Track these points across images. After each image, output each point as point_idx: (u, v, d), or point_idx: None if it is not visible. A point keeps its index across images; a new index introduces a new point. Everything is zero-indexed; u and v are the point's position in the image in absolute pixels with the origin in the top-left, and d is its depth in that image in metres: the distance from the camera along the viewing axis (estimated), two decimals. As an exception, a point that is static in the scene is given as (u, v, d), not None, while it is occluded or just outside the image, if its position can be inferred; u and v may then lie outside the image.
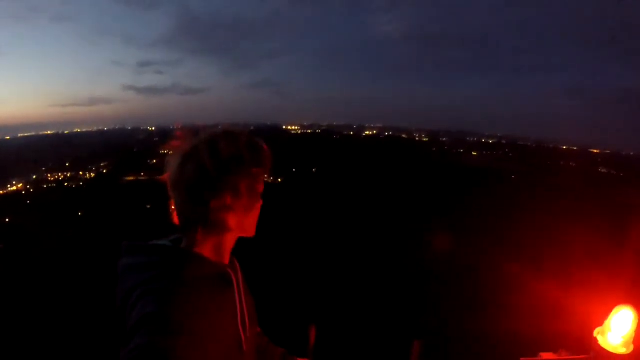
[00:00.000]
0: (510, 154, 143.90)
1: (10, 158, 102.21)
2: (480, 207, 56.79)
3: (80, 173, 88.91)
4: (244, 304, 1.29)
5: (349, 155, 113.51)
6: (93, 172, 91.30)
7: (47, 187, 78.57)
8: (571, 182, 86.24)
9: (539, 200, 64.97)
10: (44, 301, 28.68)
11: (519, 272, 29.68)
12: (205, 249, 1.21)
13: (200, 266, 1.16)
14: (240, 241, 1.33)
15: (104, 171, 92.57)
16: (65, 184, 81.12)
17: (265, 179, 1.30)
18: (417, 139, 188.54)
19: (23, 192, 74.47)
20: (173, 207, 1.22)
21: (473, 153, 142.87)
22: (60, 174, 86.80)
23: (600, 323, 1.51)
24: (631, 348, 1.45)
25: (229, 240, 1.27)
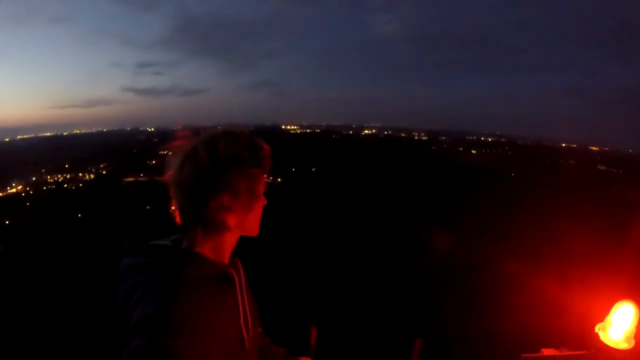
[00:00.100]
0: (510, 153, 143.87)
1: (9, 160, 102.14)
2: (479, 205, 56.78)
3: (80, 174, 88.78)
4: (246, 304, 1.29)
5: (348, 154, 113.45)
6: (92, 173, 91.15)
7: (47, 188, 78.37)
8: (570, 180, 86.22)
9: (538, 198, 64.93)
10: (44, 303, 28.65)
11: (519, 271, 29.72)
12: (206, 249, 1.21)
13: (201, 266, 1.16)
14: (240, 241, 1.33)
15: (104, 172, 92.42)
16: (65, 186, 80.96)
17: (267, 180, 1.30)
18: (416, 138, 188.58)
19: (23, 194, 74.29)
20: (174, 207, 1.22)
21: (472, 152, 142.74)
22: (59, 176, 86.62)
23: (601, 319, 1.51)
24: (632, 343, 1.45)
25: (230, 240, 1.27)
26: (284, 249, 34.82)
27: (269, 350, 1.69)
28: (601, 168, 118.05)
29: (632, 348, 1.45)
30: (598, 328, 1.51)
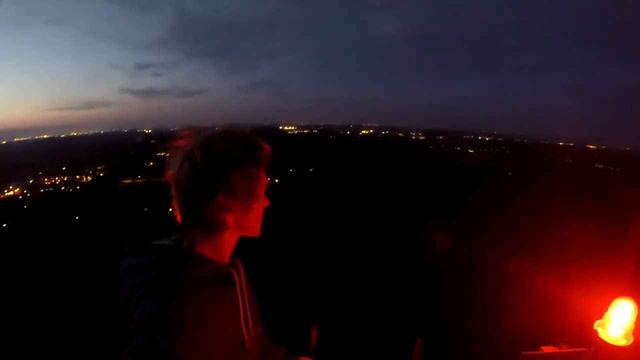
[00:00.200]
0: (507, 151, 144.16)
1: (6, 162, 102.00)
2: (477, 204, 56.76)
3: (77, 177, 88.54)
4: (246, 303, 1.29)
5: (345, 154, 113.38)
6: (90, 175, 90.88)
7: (44, 191, 78.19)
8: (568, 178, 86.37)
9: (536, 196, 65.09)
10: (42, 306, 28.60)
11: (518, 269, 29.75)
12: (205, 249, 1.21)
13: (201, 266, 1.16)
14: (240, 241, 1.33)
15: (101, 174, 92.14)
16: (62, 188, 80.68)
17: (267, 180, 1.31)
18: (413, 137, 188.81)
19: (20, 197, 74.04)
20: (174, 207, 1.23)
21: (469, 151, 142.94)
22: (57, 178, 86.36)
23: (600, 316, 1.52)
24: (631, 339, 1.46)
25: (229, 240, 1.27)
26: (283, 249, 34.81)
27: (269, 350, 1.69)
28: (599, 166, 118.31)
29: (631, 344, 1.45)
30: (597, 325, 1.52)
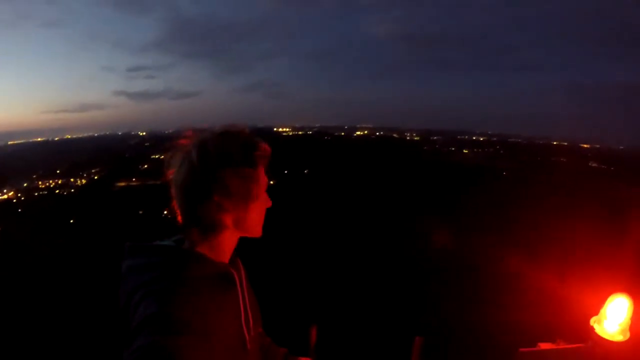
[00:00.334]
0: (501, 151, 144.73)
1: (0, 166, 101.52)
2: (472, 204, 56.90)
3: (72, 180, 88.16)
4: (247, 304, 1.29)
5: (340, 155, 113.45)
6: (84, 178, 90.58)
7: (39, 194, 77.73)
8: (562, 177, 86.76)
9: (530, 195, 65.31)
10: (38, 310, 28.47)
11: (514, 267, 29.84)
12: (205, 249, 1.21)
13: (201, 266, 1.16)
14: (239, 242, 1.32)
15: (96, 177, 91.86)
16: (57, 191, 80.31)
17: (267, 180, 1.30)
18: (408, 138, 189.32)
19: (14, 200, 73.77)
20: (175, 208, 1.22)
21: (464, 151, 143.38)
22: (51, 181, 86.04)
23: (596, 312, 1.54)
24: (627, 335, 1.47)
25: (228, 240, 1.26)
26: (282, 251, 34.75)
27: (269, 350, 1.69)
28: (592, 165, 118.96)
29: (627, 340, 1.47)
30: (593, 321, 1.54)
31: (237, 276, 1.25)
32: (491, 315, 21.73)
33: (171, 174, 1.20)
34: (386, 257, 38.13)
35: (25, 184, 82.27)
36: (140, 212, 56.88)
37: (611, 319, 1.49)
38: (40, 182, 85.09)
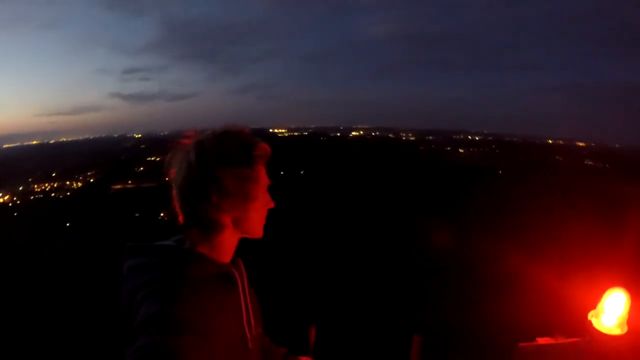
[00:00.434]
0: (497, 151, 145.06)
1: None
2: (470, 203, 56.99)
3: (68, 183, 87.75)
4: (248, 303, 1.29)
5: (336, 156, 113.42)
6: (80, 181, 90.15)
7: (34, 198, 77.42)
8: (558, 175, 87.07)
9: (527, 194, 65.43)
10: (35, 314, 28.37)
11: (514, 265, 29.88)
12: (206, 249, 1.21)
13: (203, 266, 1.16)
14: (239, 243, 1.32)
15: (92, 180, 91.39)
16: (53, 195, 79.85)
17: (267, 181, 1.29)
18: (404, 138, 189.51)
19: (9, 204, 73.42)
20: (176, 208, 1.22)
21: (460, 150, 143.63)
22: (47, 184, 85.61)
23: (594, 306, 1.55)
24: (625, 329, 1.47)
25: (228, 240, 1.25)
26: (280, 251, 34.66)
27: (269, 350, 1.69)
28: (588, 163, 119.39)
29: (625, 334, 1.48)
30: (591, 315, 1.55)
31: (239, 276, 1.25)
32: (491, 315, 21.77)
33: (172, 174, 1.21)
34: (386, 257, 38.13)
35: (20, 188, 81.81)
36: (137, 215, 56.78)
37: (609, 313, 1.50)
38: (35, 186, 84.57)
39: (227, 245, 1.26)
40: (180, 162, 1.18)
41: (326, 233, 44.87)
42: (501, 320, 19.29)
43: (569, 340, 1.65)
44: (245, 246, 1.35)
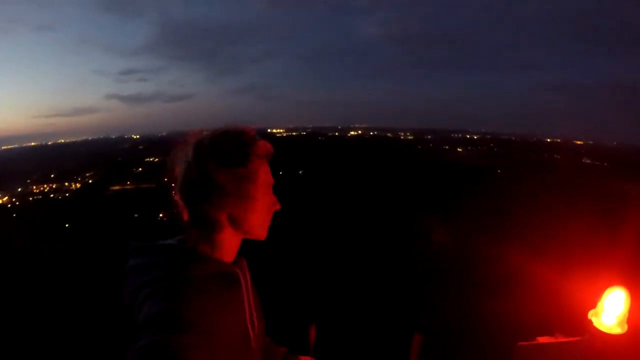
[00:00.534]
0: (495, 149, 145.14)
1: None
2: (468, 202, 57.04)
3: (66, 184, 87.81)
4: (251, 303, 1.29)
5: (335, 156, 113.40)
6: (79, 182, 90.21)
7: (33, 199, 77.45)
8: (557, 173, 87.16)
9: (525, 192, 65.48)
10: (35, 314, 28.34)
11: (514, 264, 29.90)
12: (207, 248, 1.20)
13: (205, 265, 1.16)
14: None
15: (90, 181, 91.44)
16: (51, 196, 79.89)
17: (268, 182, 1.27)
18: (402, 137, 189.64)
19: (8, 205, 73.40)
20: (178, 207, 1.22)
21: (458, 149, 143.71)
22: (45, 186, 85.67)
23: (594, 305, 1.55)
24: (625, 327, 1.46)
25: (229, 241, 1.24)
26: (280, 251, 34.62)
27: (269, 349, 1.68)
28: (586, 161, 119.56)
29: (625, 332, 1.47)
30: (591, 314, 1.54)
31: (242, 275, 1.25)
32: (490, 315, 21.79)
33: (172, 174, 1.21)
34: (385, 257, 38.12)
35: (19, 189, 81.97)
36: (136, 215, 56.74)
37: (609, 311, 1.49)
38: (34, 187, 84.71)
39: (228, 245, 1.24)
40: (180, 162, 1.18)
41: (325, 233, 44.83)
42: (501, 320, 19.30)
43: (569, 339, 1.65)
44: (245, 246, 1.34)
